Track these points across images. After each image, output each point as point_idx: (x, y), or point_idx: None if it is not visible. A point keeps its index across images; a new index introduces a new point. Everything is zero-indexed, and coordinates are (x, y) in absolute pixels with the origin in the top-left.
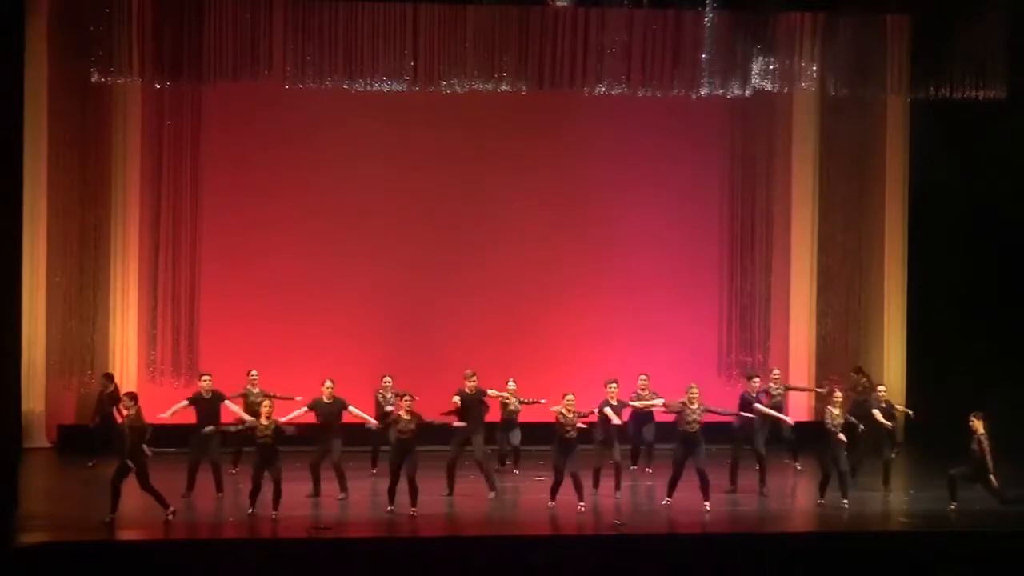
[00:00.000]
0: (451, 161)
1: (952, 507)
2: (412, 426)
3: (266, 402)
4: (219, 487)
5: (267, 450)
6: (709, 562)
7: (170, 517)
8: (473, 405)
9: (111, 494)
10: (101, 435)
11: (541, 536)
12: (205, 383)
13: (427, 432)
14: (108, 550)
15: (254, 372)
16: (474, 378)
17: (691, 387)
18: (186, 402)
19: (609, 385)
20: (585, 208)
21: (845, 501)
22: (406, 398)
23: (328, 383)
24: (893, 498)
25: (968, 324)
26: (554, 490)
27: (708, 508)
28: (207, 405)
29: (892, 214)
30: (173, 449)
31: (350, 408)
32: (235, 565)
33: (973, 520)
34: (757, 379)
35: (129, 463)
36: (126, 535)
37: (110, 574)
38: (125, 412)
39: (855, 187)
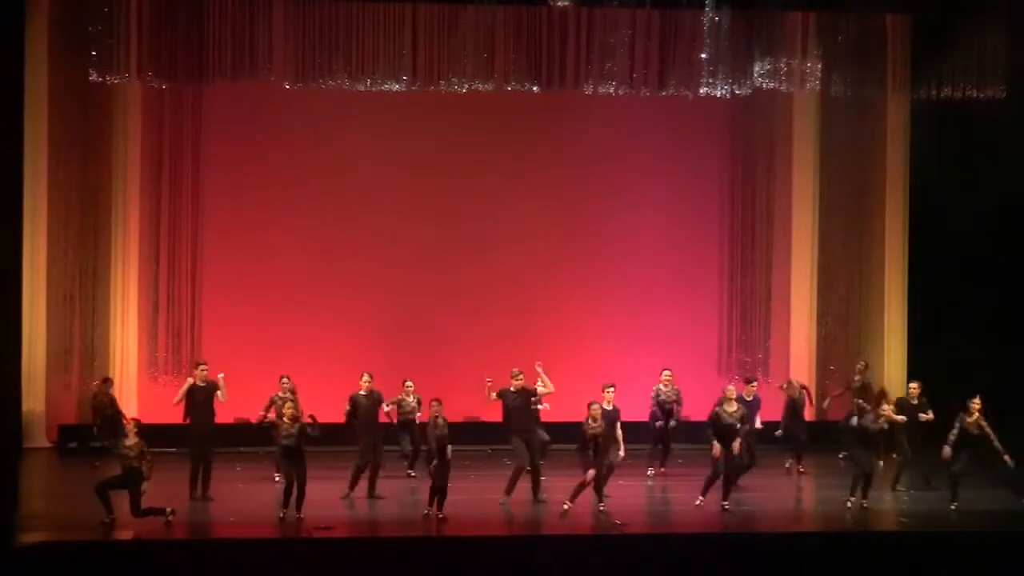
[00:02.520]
0: (451, 161)
1: (953, 507)
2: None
3: (289, 403)
4: (205, 489)
5: (291, 451)
6: (709, 562)
7: (170, 518)
8: (519, 406)
9: (101, 499)
10: (105, 436)
11: (542, 536)
12: (201, 372)
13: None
14: (108, 550)
15: (286, 378)
16: (520, 377)
17: (728, 388)
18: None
19: (606, 390)
20: (585, 208)
21: (864, 501)
22: (434, 404)
23: (366, 376)
24: (893, 498)
25: (968, 324)
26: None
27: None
28: (202, 394)
29: (892, 214)
30: (174, 449)
31: (384, 406)
32: (235, 565)
33: (973, 520)
34: (755, 383)
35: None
36: (126, 535)
37: (110, 574)
38: (128, 441)
39: (855, 187)
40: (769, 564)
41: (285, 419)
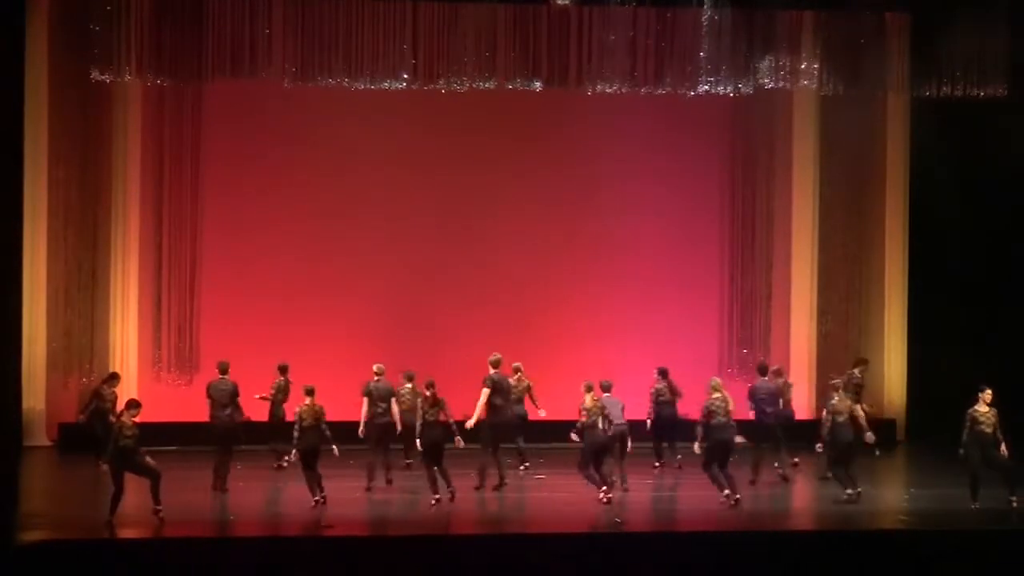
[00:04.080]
0: (451, 160)
1: (975, 506)
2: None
3: (306, 407)
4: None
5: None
6: (709, 561)
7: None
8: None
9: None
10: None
11: (542, 535)
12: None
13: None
14: (108, 549)
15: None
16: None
17: (713, 379)
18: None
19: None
20: (585, 207)
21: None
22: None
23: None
24: (893, 496)
25: (968, 323)
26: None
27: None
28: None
29: (892, 212)
30: (174, 447)
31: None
32: (236, 564)
33: (973, 520)
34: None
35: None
36: (126, 534)
37: (110, 573)
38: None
39: (855, 185)
40: (769, 563)
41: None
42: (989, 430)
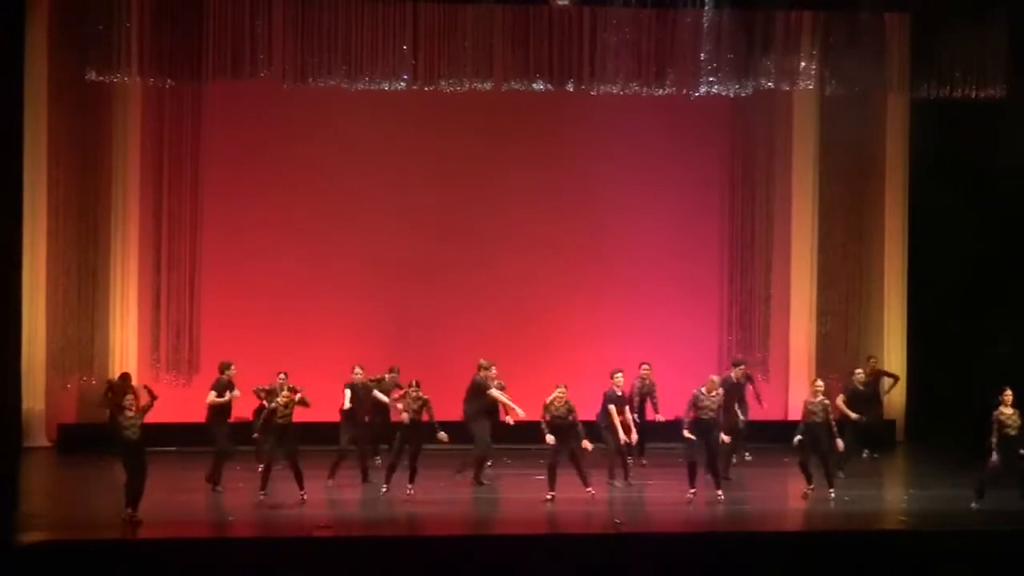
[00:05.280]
0: (451, 160)
1: (975, 506)
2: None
3: (284, 391)
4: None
5: (285, 431)
6: (709, 562)
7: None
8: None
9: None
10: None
11: (541, 535)
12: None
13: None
14: (108, 549)
15: (283, 375)
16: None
17: (712, 378)
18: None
19: (614, 375)
20: (585, 207)
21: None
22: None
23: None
24: (893, 497)
25: (968, 323)
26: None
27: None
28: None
29: (892, 213)
30: (174, 448)
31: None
32: (235, 564)
33: (973, 520)
34: (742, 366)
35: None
36: (126, 534)
37: (110, 573)
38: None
39: (855, 186)
40: (768, 564)
41: (280, 400)
42: (1014, 433)
